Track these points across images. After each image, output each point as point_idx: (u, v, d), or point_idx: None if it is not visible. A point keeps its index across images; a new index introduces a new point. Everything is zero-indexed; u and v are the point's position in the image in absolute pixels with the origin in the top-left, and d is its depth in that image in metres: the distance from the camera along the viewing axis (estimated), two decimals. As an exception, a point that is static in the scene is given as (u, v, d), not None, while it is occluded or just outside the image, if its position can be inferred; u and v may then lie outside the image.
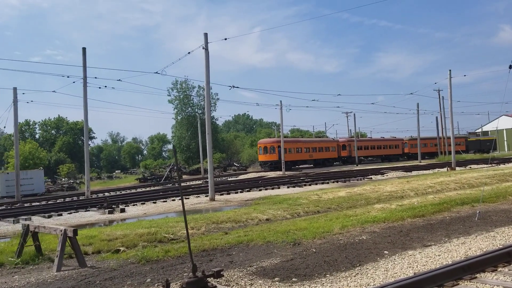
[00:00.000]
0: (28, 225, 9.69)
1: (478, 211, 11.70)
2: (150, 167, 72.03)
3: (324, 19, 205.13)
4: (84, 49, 27.64)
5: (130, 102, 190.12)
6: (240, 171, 61.42)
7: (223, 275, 6.72)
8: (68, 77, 28.60)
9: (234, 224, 13.37)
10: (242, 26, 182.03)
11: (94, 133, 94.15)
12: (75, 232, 8.48)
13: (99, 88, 29.03)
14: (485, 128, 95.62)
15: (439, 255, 7.56)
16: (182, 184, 40.12)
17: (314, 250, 8.65)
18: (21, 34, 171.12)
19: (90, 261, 9.06)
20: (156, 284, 6.95)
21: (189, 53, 23.69)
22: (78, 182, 53.08)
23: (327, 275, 6.85)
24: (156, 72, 24.88)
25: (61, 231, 8.53)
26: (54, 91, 31.49)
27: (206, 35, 22.05)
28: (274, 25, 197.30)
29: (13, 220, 17.32)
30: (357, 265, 7.34)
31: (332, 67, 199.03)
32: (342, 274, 6.86)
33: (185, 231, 12.13)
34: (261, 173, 49.27)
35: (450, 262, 6.84)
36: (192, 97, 78.92)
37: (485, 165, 39.29)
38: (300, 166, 57.79)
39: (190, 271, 7.40)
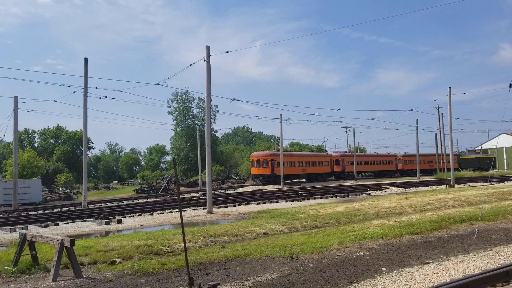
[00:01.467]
0: (25, 234, 9.64)
1: (476, 229, 11.69)
2: (148, 178, 71.83)
3: (325, 34, 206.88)
4: (86, 59, 27.80)
5: (129, 112, 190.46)
6: (238, 184, 61.27)
7: (219, 289, 6.69)
8: (69, 86, 28.68)
9: (232, 237, 13.30)
10: (243, 39, 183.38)
11: (92, 143, 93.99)
12: (72, 242, 8.43)
13: (99, 98, 29.03)
14: (484, 146, 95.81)
15: (437, 273, 7.52)
16: (180, 196, 39.98)
17: (311, 265, 8.61)
18: (22, 43, 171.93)
19: (86, 272, 8.99)
20: (152, 297, 6.91)
21: (190, 65, 23.82)
22: (75, 192, 52.88)
23: (325, 291, 6.81)
24: (157, 84, 24.93)
25: (58, 241, 8.48)
26: (55, 101, 31.64)
27: (208, 47, 22.21)
28: (275, 39, 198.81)
29: (10, 228, 17.25)
30: (355, 281, 7.30)
31: (332, 82, 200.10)
32: (339, 290, 6.82)
33: (182, 244, 12.08)
34: (259, 186, 49.08)
35: (448, 280, 6.81)
36: (192, 108, 79.13)
37: (484, 183, 39.28)
38: (293, 180, 56.72)
39: (186, 284, 7.36)
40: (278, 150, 67.09)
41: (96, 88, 36.96)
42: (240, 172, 77.03)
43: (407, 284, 6.90)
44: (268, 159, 52.45)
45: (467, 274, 7.17)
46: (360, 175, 67.42)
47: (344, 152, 74.42)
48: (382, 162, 71.34)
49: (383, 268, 8.18)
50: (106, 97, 29.57)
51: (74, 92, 28.88)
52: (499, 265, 7.78)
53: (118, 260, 9.98)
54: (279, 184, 48.55)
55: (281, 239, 12.10)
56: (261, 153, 56.43)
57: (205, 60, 22.28)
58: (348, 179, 62.09)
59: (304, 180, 57.47)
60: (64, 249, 8.51)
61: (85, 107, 27.60)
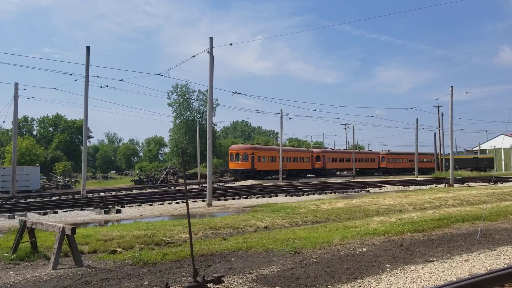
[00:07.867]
0: (26, 221, 9.53)
1: (479, 229, 11.61)
2: (146, 169, 71.77)
3: (326, 31, 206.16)
4: (88, 48, 27.56)
5: (128, 103, 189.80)
6: (236, 178, 61.18)
7: (223, 281, 6.60)
8: (70, 74, 28.45)
9: (232, 230, 13.23)
10: (243, 34, 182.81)
11: (91, 132, 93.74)
12: (73, 230, 8.32)
13: (101, 87, 28.82)
14: (483, 147, 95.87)
15: (442, 271, 7.44)
16: (179, 188, 39.89)
17: (314, 260, 8.52)
18: (20, 31, 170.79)
19: (86, 261, 8.89)
20: (155, 287, 6.81)
21: (193, 56, 23.75)
22: (73, 180, 52.77)
23: (329, 286, 6.72)
24: (160, 74, 24.77)
25: (59, 228, 8.38)
26: (56, 88, 31.42)
27: (211, 39, 22.02)
28: (275, 34, 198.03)
29: (9, 215, 17.15)
30: (359, 277, 7.22)
31: (332, 78, 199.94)
32: (344, 285, 6.73)
33: (183, 235, 12.00)
34: (259, 181, 48.86)
35: (454, 279, 6.73)
36: (191, 101, 78.89)
37: (483, 183, 39.34)
38: (273, 176, 52.52)
39: (189, 275, 7.28)
40: (259, 143, 66.42)
41: (98, 77, 36.67)
42: (239, 166, 76.88)
43: (413, 282, 6.82)
44: (248, 152, 49.89)
45: (474, 274, 7.09)
46: (334, 172, 65.63)
47: (326, 148, 73.13)
48: (364, 160, 69.79)
49: (387, 265, 8.10)
50: (107, 86, 29.35)
51: (76, 80, 28.82)
52: (505, 265, 7.70)
53: (118, 249, 9.89)
54: (258, 179, 46.98)
55: (283, 233, 12.02)
56: (241, 146, 53.62)
57: (208, 52, 22.09)
58: (328, 176, 60.69)
59: (284, 176, 52.68)
60: (65, 237, 8.41)
61: (86, 96, 27.39)
